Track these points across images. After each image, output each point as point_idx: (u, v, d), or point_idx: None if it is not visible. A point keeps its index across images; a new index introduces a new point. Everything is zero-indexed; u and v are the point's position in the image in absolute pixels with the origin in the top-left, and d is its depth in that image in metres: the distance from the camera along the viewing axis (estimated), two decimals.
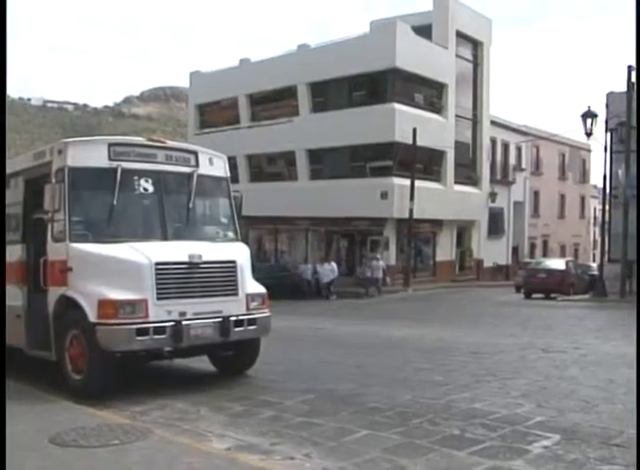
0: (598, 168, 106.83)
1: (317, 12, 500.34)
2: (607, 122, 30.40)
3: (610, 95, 31.85)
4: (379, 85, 37.27)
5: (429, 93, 39.69)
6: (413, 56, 36.41)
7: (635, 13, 10.88)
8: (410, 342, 14.68)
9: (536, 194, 54.90)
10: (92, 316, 8.53)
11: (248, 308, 9.56)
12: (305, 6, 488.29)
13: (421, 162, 37.51)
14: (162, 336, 8.68)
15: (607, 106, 31.05)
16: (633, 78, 29.26)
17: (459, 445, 6.41)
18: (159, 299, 8.70)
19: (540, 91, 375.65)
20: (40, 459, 6.03)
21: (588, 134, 29.26)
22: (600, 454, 6.02)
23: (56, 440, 6.61)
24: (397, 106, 36.25)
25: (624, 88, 29.48)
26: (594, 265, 36.74)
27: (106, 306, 8.50)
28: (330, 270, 33.63)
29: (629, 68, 29.15)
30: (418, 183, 35.94)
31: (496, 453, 6.10)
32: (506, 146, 50.51)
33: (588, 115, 28.92)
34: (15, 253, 10.10)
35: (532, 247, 54.28)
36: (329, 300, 31.30)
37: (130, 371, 9.31)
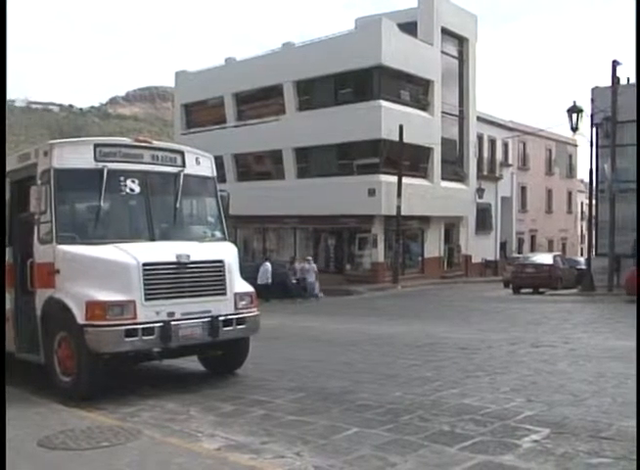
0: (584, 163, 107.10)
1: (299, 9, 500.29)
2: (592, 117, 30.52)
3: (595, 90, 31.96)
4: (365, 83, 37.27)
5: (415, 90, 39.72)
6: (399, 53, 36.44)
7: (635, 13, 10.89)
8: (399, 338, 14.69)
9: (523, 189, 55.07)
10: (80, 318, 8.49)
11: (236, 308, 9.54)
12: (287, 3, 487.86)
13: (408, 159, 37.55)
14: (151, 337, 8.66)
15: (592, 101, 31.15)
16: (618, 73, 29.40)
17: (449, 440, 6.42)
18: (147, 299, 8.68)
19: (526, 87, 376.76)
20: (29, 463, 6.00)
21: (574, 129, 29.36)
22: (589, 447, 6.04)
23: (45, 443, 6.57)
24: (384, 103, 36.27)
25: (609, 83, 29.61)
26: (582, 260, 36.85)
27: (94, 308, 8.46)
28: (310, 269, 32.53)
29: (614, 62, 29.29)
30: (405, 180, 35.99)
31: (486, 448, 6.12)
32: (493, 142, 50.62)
33: (574, 110, 29.02)
34: None
35: (520, 242, 54.43)
36: (317, 298, 31.17)
37: (119, 372, 9.28)
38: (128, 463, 5.98)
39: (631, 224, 28.17)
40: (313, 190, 37.26)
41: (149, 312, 8.68)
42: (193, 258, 9.14)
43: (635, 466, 5.48)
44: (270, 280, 29.72)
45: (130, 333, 8.49)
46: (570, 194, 62.98)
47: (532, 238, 56.32)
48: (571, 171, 62.82)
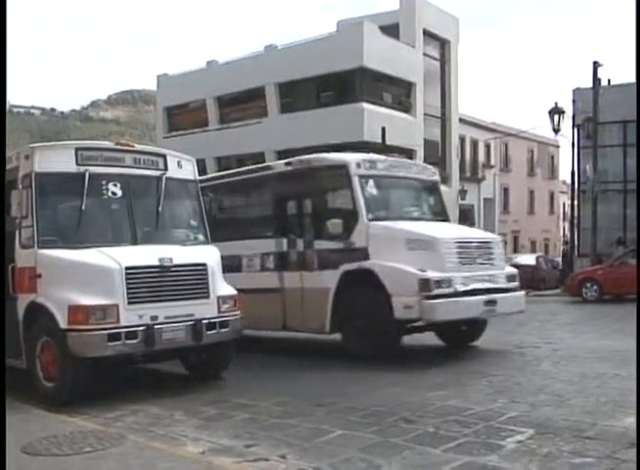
0: (566, 164, 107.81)
1: (278, 11, 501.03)
2: (574, 118, 30.70)
3: (576, 91, 32.17)
4: (347, 85, 37.31)
5: (397, 92, 39.78)
6: (381, 55, 36.49)
7: (635, 13, 10.94)
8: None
9: (506, 191, 55.35)
10: (62, 323, 8.45)
11: (219, 311, 9.52)
12: (266, 5, 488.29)
13: None
14: (134, 341, 8.62)
15: (573, 102, 31.36)
16: (599, 74, 29.59)
17: (434, 442, 6.43)
18: (130, 303, 8.64)
19: (508, 88, 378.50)
20: (12, 469, 5.96)
21: (556, 130, 29.50)
22: (573, 447, 6.07)
23: (28, 449, 6.53)
24: (366, 105, 36.31)
25: (590, 84, 29.80)
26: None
27: (76, 312, 8.42)
28: None
29: (595, 63, 29.48)
30: None
31: (471, 449, 6.13)
32: (475, 143, 50.84)
33: (555, 111, 29.15)
34: None
35: (503, 243, 54.51)
36: None
37: (102, 377, 9.23)
38: (112, 468, 5.96)
39: (612, 224, 28.41)
40: None
41: (132, 316, 8.64)
42: (176, 262, 9.11)
43: (621, 465, 5.52)
44: None
45: (113, 337, 8.45)
46: (552, 195, 63.35)
47: (515, 239, 56.57)
48: (553, 172, 63.21)
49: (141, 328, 8.66)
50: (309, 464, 5.95)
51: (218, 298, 9.54)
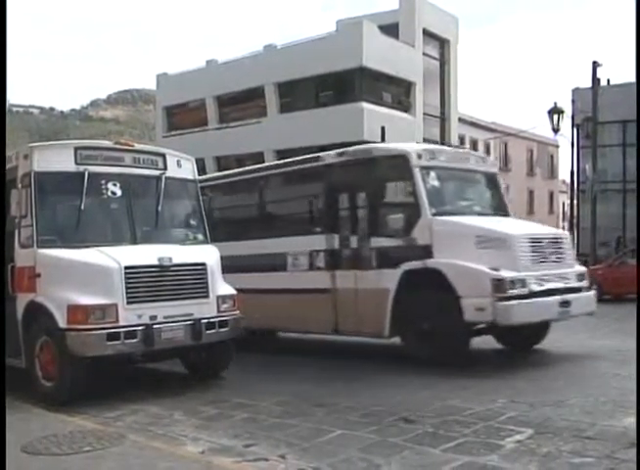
0: (566, 164, 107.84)
1: (278, 11, 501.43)
2: (573, 118, 30.71)
3: (575, 91, 32.18)
4: (346, 85, 37.26)
5: (396, 92, 39.73)
6: (380, 55, 36.44)
7: (635, 13, 10.91)
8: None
9: (505, 190, 55.21)
10: (62, 322, 8.46)
11: (219, 310, 9.52)
12: (266, 5, 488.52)
13: None
14: (133, 340, 8.62)
15: (573, 102, 31.37)
16: (598, 74, 29.59)
17: (433, 442, 6.42)
18: (129, 303, 8.64)
19: (508, 88, 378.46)
20: (13, 469, 5.96)
21: (555, 130, 29.48)
22: (572, 447, 6.06)
23: (28, 448, 6.54)
24: (365, 105, 36.26)
25: (590, 84, 29.80)
26: None
27: (75, 312, 8.43)
28: None
29: (594, 63, 29.47)
30: None
31: (470, 449, 6.12)
32: (474, 143, 50.81)
33: (555, 111, 29.12)
34: None
35: None
36: None
37: (102, 376, 9.23)
38: (112, 468, 5.96)
39: (612, 224, 28.40)
40: None
41: (131, 316, 8.65)
42: (175, 261, 9.11)
43: (621, 465, 5.52)
44: None
45: (112, 337, 8.46)
46: (551, 194, 63.34)
47: None
48: (552, 172, 63.21)
49: (140, 328, 8.67)
50: (309, 464, 5.95)
51: (218, 297, 9.55)
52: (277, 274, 12.04)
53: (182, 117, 46.29)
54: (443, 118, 44.33)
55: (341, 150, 12.56)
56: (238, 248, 13.02)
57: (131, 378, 10.47)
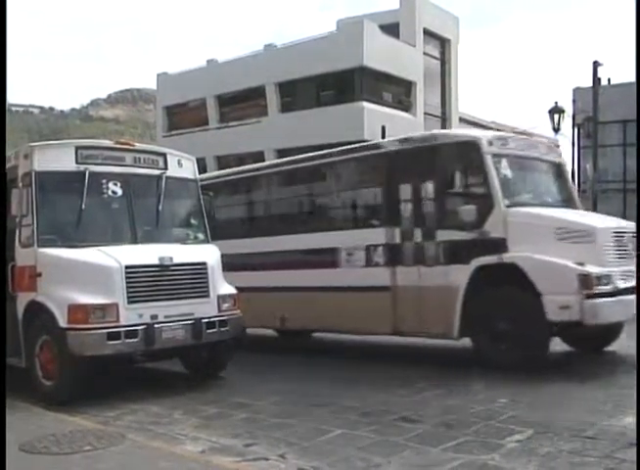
0: (566, 163, 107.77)
1: (277, 11, 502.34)
2: (574, 118, 30.66)
3: (576, 90, 32.14)
4: (347, 84, 37.27)
5: (397, 91, 39.75)
6: (381, 54, 36.46)
7: (635, 13, 10.86)
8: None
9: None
10: (62, 321, 8.46)
11: (219, 310, 9.53)
12: (265, 5, 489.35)
13: None
14: (134, 340, 8.62)
15: (574, 101, 31.33)
16: (599, 74, 29.54)
17: (433, 441, 6.42)
18: (129, 302, 8.65)
19: (508, 87, 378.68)
20: (11, 468, 5.96)
21: (556, 130, 29.44)
22: (572, 447, 6.06)
23: (27, 448, 6.53)
24: (366, 104, 36.29)
25: (591, 84, 29.76)
26: None
27: (76, 311, 8.43)
28: None
29: (595, 63, 29.43)
30: None
31: (471, 449, 6.13)
32: None
33: (555, 110, 29.08)
34: None
35: None
36: None
37: (102, 376, 9.23)
38: (112, 467, 5.96)
39: None
40: None
41: (132, 315, 8.66)
42: (176, 261, 9.12)
43: (621, 465, 5.52)
44: None
45: (113, 336, 8.46)
46: None
47: None
48: None
49: (141, 327, 8.67)
50: (309, 463, 5.95)
51: (218, 297, 9.55)
52: (326, 271, 11.35)
53: (182, 117, 46.31)
54: (444, 118, 44.35)
55: (404, 136, 11.84)
56: (281, 243, 12.57)
57: (131, 378, 10.47)
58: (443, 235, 10.53)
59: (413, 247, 10.96)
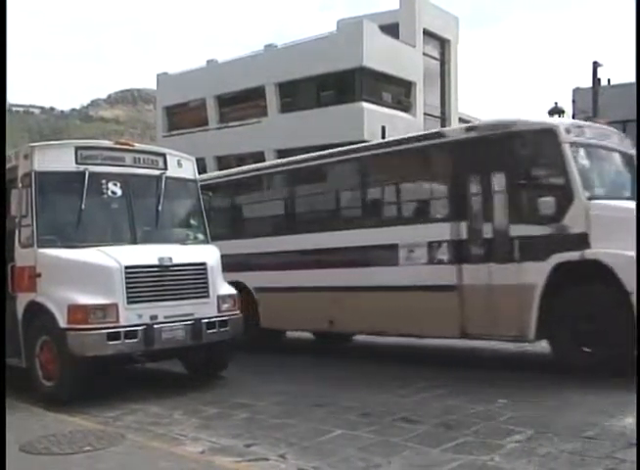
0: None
1: (276, 11, 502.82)
2: (573, 118, 30.64)
3: (576, 91, 32.12)
4: (347, 84, 37.27)
5: (397, 92, 39.75)
6: (380, 55, 36.47)
7: (635, 13, 10.79)
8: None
9: None
10: (62, 322, 8.46)
11: (219, 310, 9.53)
12: (265, 5, 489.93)
13: None
14: (134, 340, 8.63)
15: (573, 102, 31.30)
16: (599, 74, 29.55)
17: (433, 441, 6.42)
18: (129, 303, 8.66)
19: (508, 88, 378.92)
20: (11, 469, 5.96)
21: None
22: (572, 447, 6.05)
23: (27, 448, 6.53)
24: (366, 105, 36.29)
25: (590, 84, 29.77)
26: None
27: (76, 312, 8.43)
28: None
29: (595, 63, 29.44)
30: None
31: (471, 449, 6.12)
32: None
33: (555, 111, 29.11)
34: None
35: None
36: None
37: (102, 376, 9.23)
38: (112, 467, 5.96)
39: None
40: None
41: (131, 316, 8.66)
42: (175, 261, 9.13)
43: (621, 465, 5.52)
44: None
45: (113, 336, 8.47)
46: None
47: None
48: None
49: (140, 327, 8.68)
50: (309, 463, 5.95)
51: (218, 297, 9.56)
52: (381, 269, 10.71)
53: (182, 117, 46.29)
54: (444, 118, 44.34)
55: (471, 124, 11.18)
56: (332, 239, 11.89)
57: (131, 378, 10.48)
58: (517, 230, 9.80)
59: (482, 243, 10.22)
